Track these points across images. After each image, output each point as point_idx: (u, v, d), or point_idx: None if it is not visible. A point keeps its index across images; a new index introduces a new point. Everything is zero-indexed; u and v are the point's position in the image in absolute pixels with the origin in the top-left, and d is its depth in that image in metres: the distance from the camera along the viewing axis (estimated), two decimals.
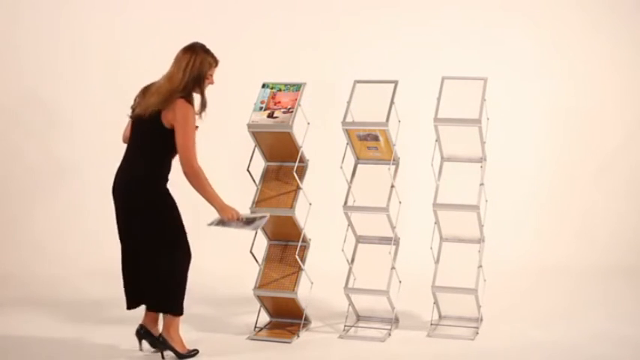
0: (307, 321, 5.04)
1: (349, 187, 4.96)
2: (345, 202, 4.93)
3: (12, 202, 6.73)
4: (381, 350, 4.65)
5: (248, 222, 4.55)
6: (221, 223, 4.51)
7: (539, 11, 6.82)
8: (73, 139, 6.77)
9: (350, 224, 5.01)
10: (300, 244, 4.91)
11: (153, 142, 4.39)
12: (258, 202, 4.92)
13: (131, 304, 4.56)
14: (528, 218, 6.72)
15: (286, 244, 5.02)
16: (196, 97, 4.44)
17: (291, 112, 4.83)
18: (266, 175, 5.02)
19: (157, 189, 4.41)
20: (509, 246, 6.32)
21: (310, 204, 4.90)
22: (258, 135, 4.90)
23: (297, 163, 4.88)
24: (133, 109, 4.48)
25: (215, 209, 4.47)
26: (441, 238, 5.06)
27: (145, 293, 4.49)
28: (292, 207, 4.84)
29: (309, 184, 4.97)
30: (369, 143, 4.94)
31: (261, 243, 5.04)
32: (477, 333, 4.87)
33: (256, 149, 4.98)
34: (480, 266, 4.90)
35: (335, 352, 4.65)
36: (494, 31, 6.78)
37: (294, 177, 4.88)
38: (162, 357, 4.47)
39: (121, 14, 6.83)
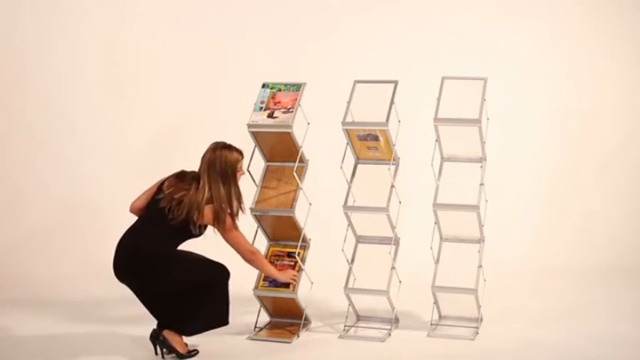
0: (307, 321, 5.04)
1: (349, 187, 4.96)
2: (345, 202, 4.93)
3: (12, 202, 6.73)
4: (381, 350, 4.66)
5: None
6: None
7: (540, 11, 6.82)
8: (73, 139, 6.77)
9: (350, 224, 5.01)
10: (300, 244, 4.91)
11: (176, 231, 4.46)
12: (258, 202, 4.92)
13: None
14: (528, 218, 6.72)
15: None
16: None
17: (291, 112, 4.83)
18: (266, 175, 5.02)
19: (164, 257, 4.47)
20: (509, 246, 6.32)
21: (310, 204, 4.90)
22: (258, 135, 4.90)
23: (297, 163, 4.88)
24: (160, 190, 4.56)
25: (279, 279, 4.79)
26: (441, 238, 5.06)
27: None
28: (292, 207, 4.84)
29: (309, 184, 4.97)
30: (369, 143, 4.94)
31: (262, 243, 5.03)
32: (477, 333, 4.87)
33: (256, 149, 4.98)
34: (480, 266, 4.90)
35: (335, 352, 4.65)
36: (495, 30, 6.77)
37: (294, 177, 4.88)
38: (163, 356, 4.47)
39: (121, 14, 6.83)
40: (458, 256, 4.99)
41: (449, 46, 6.71)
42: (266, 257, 5.03)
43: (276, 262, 4.99)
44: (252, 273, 5.00)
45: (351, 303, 5.03)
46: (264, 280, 4.93)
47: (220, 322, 4.57)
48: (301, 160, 4.92)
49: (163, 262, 4.41)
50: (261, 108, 4.92)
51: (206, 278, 4.49)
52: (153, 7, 6.83)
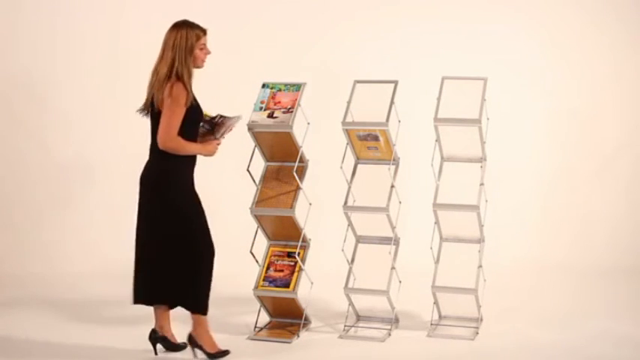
0: (307, 321, 5.04)
1: (349, 187, 4.97)
2: (345, 202, 4.93)
3: (12, 203, 6.73)
4: (381, 350, 4.66)
5: (228, 126, 4.57)
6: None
7: (540, 11, 6.82)
8: (73, 139, 6.77)
9: (350, 224, 5.01)
10: (300, 244, 4.91)
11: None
12: (258, 202, 4.92)
13: (141, 299, 4.48)
14: (528, 218, 6.72)
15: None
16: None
17: (291, 112, 4.83)
18: (266, 175, 5.02)
19: (178, 184, 4.37)
20: (509, 246, 6.32)
21: (310, 204, 4.90)
22: (258, 135, 4.90)
23: (297, 163, 4.88)
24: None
25: (203, 155, 4.50)
26: (441, 238, 5.06)
27: (166, 291, 4.44)
28: (292, 207, 4.84)
29: (309, 184, 4.97)
30: (369, 143, 4.94)
31: (262, 243, 5.04)
32: (477, 333, 4.87)
33: (256, 149, 4.98)
34: (480, 266, 4.90)
35: (335, 352, 4.65)
36: (495, 31, 6.78)
37: (294, 177, 4.88)
38: (195, 355, 4.49)
39: (120, 14, 6.83)
40: (458, 256, 4.99)
41: (449, 46, 6.71)
42: (266, 257, 5.03)
43: (276, 262, 4.99)
44: (253, 273, 5.00)
45: (351, 303, 5.03)
46: (264, 280, 4.93)
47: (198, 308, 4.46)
48: (301, 160, 4.92)
49: (172, 201, 4.33)
50: (261, 108, 4.92)
51: (200, 242, 4.39)
52: (153, 7, 6.83)
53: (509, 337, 4.81)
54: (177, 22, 4.47)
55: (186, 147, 4.35)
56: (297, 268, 4.92)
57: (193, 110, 4.36)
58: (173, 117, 4.27)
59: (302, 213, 4.89)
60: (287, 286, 4.89)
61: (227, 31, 6.80)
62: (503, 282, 5.73)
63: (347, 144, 4.98)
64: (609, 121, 6.81)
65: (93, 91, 6.82)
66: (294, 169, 4.88)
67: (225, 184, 6.56)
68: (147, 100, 4.41)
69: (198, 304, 4.42)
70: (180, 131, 4.30)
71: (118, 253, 6.48)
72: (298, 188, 4.90)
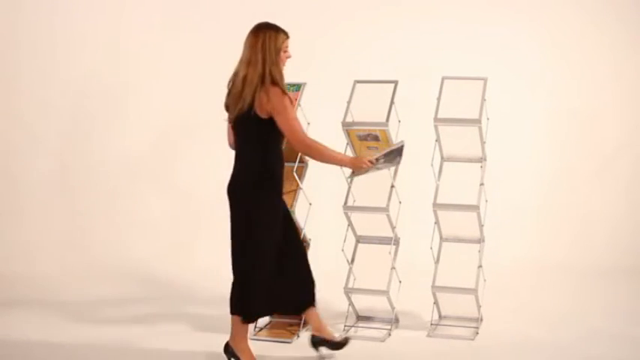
0: (307, 321, 5.03)
1: (349, 187, 4.96)
2: (345, 202, 4.93)
3: (12, 203, 6.73)
4: (381, 350, 4.66)
5: (388, 159, 4.45)
6: (359, 174, 4.44)
7: (540, 11, 6.82)
8: (74, 140, 6.77)
9: (350, 224, 5.01)
10: None
11: (258, 136, 4.20)
12: None
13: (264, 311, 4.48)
14: (528, 218, 6.72)
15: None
16: None
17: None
18: None
19: (267, 188, 4.25)
20: (509, 246, 6.32)
21: (310, 204, 4.90)
22: None
23: (297, 163, 4.88)
24: (227, 108, 4.31)
25: (348, 167, 4.38)
26: (441, 238, 5.06)
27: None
28: (292, 207, 4.84)
29: (309, 184, 4.97)
30: (369, 143, 4.93)
31: None
32: (477, 333, 4.87)
33: None
34: (480, 266, 4.90)
35: (335, 352, 4.64)
36: (495, 31, 6.78)
37: (294, 177, 4.88)
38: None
39: (121, 14, 6.83)
40: (458, 256, 4.99)
41: (449, 46, 6.71)
42: None
43: None
44: None
45: (351, 303, 5.03)
46: None
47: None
48: (301, 160, 4.92)
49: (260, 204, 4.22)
50: None
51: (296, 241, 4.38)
52: (153, 7, 6.83)
53: (509, 337, 4.81)
54: (260, 24, 4.38)
55: (330, 153, 4.27)
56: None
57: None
58: (294, 120, 4.17)
59: (302, 213, 4.88)
60: None
61: (227, 31, 6.79)
62: (503, 282, 5.73)
63: (347, 144, 4.98)
64: (609, 121, 6.81)
65: (93, 90, 6.82)
66: (294, 169, 4.88)
67: (225, 184, 6.55)
68: (235, 107, 4.21)
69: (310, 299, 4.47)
70: (269, 137, 4.19)
71: (117, 253, 6.50)
72: (298, 188, 4.90)
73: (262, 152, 4.21)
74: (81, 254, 6.51)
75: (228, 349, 4.37)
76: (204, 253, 6.40)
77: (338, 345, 4.47)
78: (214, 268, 6.19)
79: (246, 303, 4.30)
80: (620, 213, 6.75)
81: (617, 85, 6.82)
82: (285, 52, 4.33)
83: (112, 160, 6.77)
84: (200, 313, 5.31)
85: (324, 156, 4.27)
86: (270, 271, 4.31)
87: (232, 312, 4.34)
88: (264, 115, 4.15)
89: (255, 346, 4.72)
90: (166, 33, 6.81)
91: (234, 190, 4.28)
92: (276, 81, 4.18)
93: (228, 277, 5.34)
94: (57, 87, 6.78)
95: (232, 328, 4.36)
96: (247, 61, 4.24)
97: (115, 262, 6.41)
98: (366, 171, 4.40)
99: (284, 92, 4.17)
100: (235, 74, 4.30)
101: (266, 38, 4.27)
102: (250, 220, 4.23)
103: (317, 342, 4.49)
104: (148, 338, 4.78)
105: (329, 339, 4.48)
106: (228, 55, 6.85)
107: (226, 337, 4.72)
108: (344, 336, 4.53)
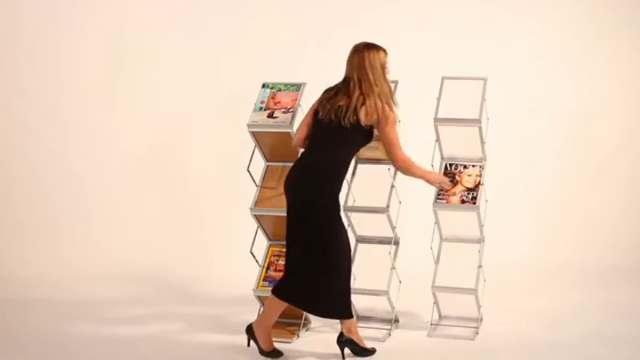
0: (307, 321, 5.04)
1: (349, 187, 4.96)
2: (345, 202, 4.93)
3: (12, 202, 6.73)
4: (381, 350, 4.65)
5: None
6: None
7: (540, 11, 6.82)
8: (74, 140, 6.77)
9: (350, 224, 5.01)
10: None
11: (347, 141, 4.44)
12: (258, 202, 4.92)
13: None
14: (528, 218, 6.72)
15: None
16: None
17: (291, 112, 4.83)
18: (266, 175, 5.02)
19: (335, 191, 4.41)
20: (509, 246, 6.32)
21: None
22: (258, 135, 4.90)
23: None
24: (323, 110, 4.49)
25: (424, 180, 4.60)
26: (441, 238, 5.06)
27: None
28: None
29: None
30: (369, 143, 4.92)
31: (262, 243, 5.04)
32: (477, 333, 4.87)
33: (256, 149, 4.98)
34: (480, 266, 4.90)
35: (335, 352, 4.64)
36: (495, 31, 6.78)
37: None
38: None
39: (121, 14, 6.83)
40: (458, 256, 4.99)
41: (449, 46, 6.71)
42: (266, 257, 5.02)
43: (276, 262, 4.99)
44: (252, 273, 5.00)
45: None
46: (264, 280, 4.93)
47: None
48: None
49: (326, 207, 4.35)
50: (261, 108, 4.92)
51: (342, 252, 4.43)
52: (153, 7, 6.83)
53: (509, 337, 4.80)
54: (363, 44, 4.64)
55: (416, 169, 4.53)
56: None
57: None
58: (398, 137, 4.45)
59: None
60: None
61: (227, 31, 6.80)
62: (503, 282, 5.73)
63: None
64: (609, 121, 6.81)
65: (94, 91, 6.82)
66: None
67: (225, 184, 6.56)
68: (332, 112, 4.44)
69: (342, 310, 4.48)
70: (355, 147, 4.50)
71: (117, 253, 6.50)
72: None
73: (341, 155, 4.46)
74: (80, 254, 6.51)
75: (250, 330, 4.49)
76: (205, 253, 6.40)
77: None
78: (214, 268, 6.20)
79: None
80: (620, 213, 6.75)
81: (617, 85, 6.81)
82: (385, 68, 4.54)
83: (112, 160, 6.77)
84: (200, 313, 5.31)
85: (415, 174, 4.53)
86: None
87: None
88: (365, 123, 4.41)
89: (256, 346, 4.72)
90: (168, 32, 6.81)
91: (301, 184, 4.43)
92: (387, 98, 4.47)
93: (228, 277, 5.34)
94: (57, 87, 6.78)
95: (267, 313, 4.44)
96: (379, 81, 4.49)
97: (114, 262, 6.41)
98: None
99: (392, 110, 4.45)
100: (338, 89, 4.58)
101: (371, 57, 4.56)
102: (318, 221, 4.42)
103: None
104: (147, 338, 4.78)
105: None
106: (228, 54, 6.89)
107: (226, 337, 4.73)
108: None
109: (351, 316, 4.50)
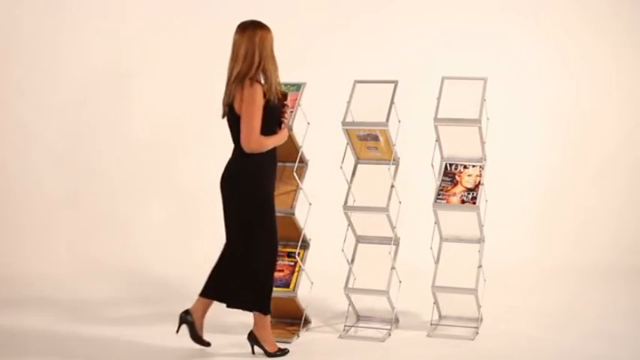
0: (307, 321, 5.04)
1: (349, 187, 4.96)
2: (345, 202, 4.93)
3: (12, 202, 6.73)
4: (381, 350, 4.65)
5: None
6: None
7: (540, 11, 6.82)
8: (74, 139, 6.77)
9: (350, 224, 5.01)
10: (300, 244, 4.91)
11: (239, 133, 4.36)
12: None
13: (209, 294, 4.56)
14: (528, 218, 6.72)
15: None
16: None
17: (291, 112, 4.82)
18: None
19: (254, 184, 4.36)
20: (509, 246, 6.32)
21: (310, 204, 4.90)
22: None
23: (297, 163, 4.88)
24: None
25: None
26: (441, 238, 5.06)
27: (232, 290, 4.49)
28: (292, 207, 4.84)
29: (309, 184, 4.97)
30: (369, 143, 4.94)
31: None
32: (477, 333, 4.87)
33: None
34: (480, 266, 4.90)
35: (335, 352, 4.65)
36: (495, 31, 6.78)
37: (294, 177, 4.88)
38: (253, 352, 4.54)
39: (121, 13, 6.82)
40: (458, 256, 4.99)
41: (449, 46, 6.71)
42: None
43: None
44: None
45: (351, 303, 5.03)
46: None
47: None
48: (301, 160, 4.92)
49: (247, 200, 4.35)
50: None
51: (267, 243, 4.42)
52: (153, 6, 6.83)
53: (509, 337, 4.81)
54: (248, 22, 4.52)
55: (267, 142, 4.36)
56: (297, 268, 4.92)
57: (271, 109, 4.35)
58: (254, 119, 4.26)
59: (302, 213, 4.89)
60: (287, 286, 4.89)
61: (227, 30, 6.79)
62: (503, 282, 5.73)
63: (347, 144, 4.98)
64: (609, 121, 6.81)
65: (93, 90, 6.82)
66: (294, 169, 4.89)
67: None
68: (225, 103, 4.38)
69: (258, 304, 4.47)
70: (262, 132, 4.32)
71: (117, 253, 6.50)
72: (298, 188, 4.90)
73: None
74: (80, 254, 6.51)
75: (252, 336, 4.52)
76: (204, 253, 6.39)
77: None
78: None
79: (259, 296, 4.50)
80: (620, 213, 6.75)
81: (617, 85, 6.82)
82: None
83: (112, 160, 6.77)
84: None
85: (268, 146, 4.36)
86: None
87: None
88: (239, 111, 4.30)
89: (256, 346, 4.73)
90: (169, 32, 6.81)
91: (222, 183, 4.42)
92: (268, 74, 4.31)
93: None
94: (58, 87, 6.78)
95: (255, 319, 4.51)
96: (241, 58, 4.34)
97: (114, 262, 6.41)
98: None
99: (260, 89, 4.27)
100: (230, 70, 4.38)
101: (263, 34, 4.41)
102: (243, 213, 4.40)
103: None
104: (147, 338, 4.78)
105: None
106: (228, 54, 6.87)
107: (226, 337, 4.74)
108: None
109: (266, 312, 4.49)
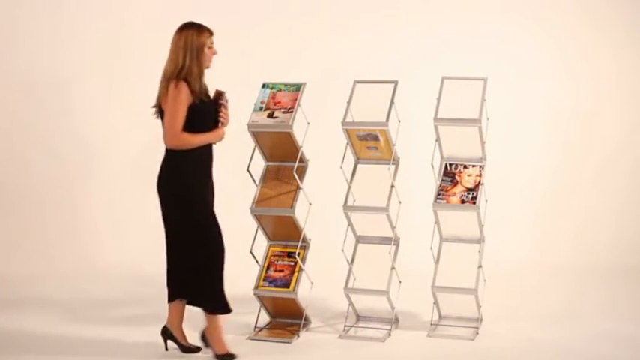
0: (307, 321, 5.04)
1: (349, 187, 4.96)
2: (345, 202, 4.93)
3: (12, 202, 6.73)
4: (381, 350, 4.66)
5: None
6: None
7: (539, 11, 6.82)
8: (74, 139, 6.77)
9: (350, 224, 5.01)
10: (300, 244, 4.91)
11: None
12: (258, 202, 4.92)
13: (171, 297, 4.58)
14: (528, 218, 6.72)
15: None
16: None
17: (291, 112, 4.83)
18: (266, 175, 5.02)
19: (183, 182, 4.39)
20: (509, 246, 6.32)
21: (310, 204, 4.90)
22: (258, 135, 4.90)
23: (297, 163, 4.88)
24: None
25: (217, 142, 4.53)
26: (441, 238, 5.06)
27: (184, 287, 4.52)
28: (292, 207, 4.84)
29: (309, 184, 4.97)
30: (369, 143, 4.94)
31: (262, 243, 5.04)
32: (477, 333, 4.87)
33: (256, 149, 4.98)
34: (480, 266, 4.90)
35: (335, 352, 4.65)
36: (495, 31, 6.77)
37: (294, 177, 4.88)
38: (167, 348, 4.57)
39: (121, 14, 6.82)
40: (458, 256, 4.99)
41: (449, 46, 6.71)
42: (266, 257, 5.02)
43: (276, 262, 4.99)
44: (253, 273, 5.00)
45: (351, 303, 5.03)
46: (264, 280, 4.93)
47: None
48: (301, 160, 4.92)
49: (178, 199, 4.40)
50: (261, 108, 4.92)
51: (207, 240, 4.45)
52: (153, 7, 6.83)
53: (509, 337, 4.81)
54: (184, 23, 4.54)
55: (193, 140, 4.38)
56: (297, 268, 4.92)
57: (200, 108, 4.37)
58: (175, 115, 4.30)
59: (302, 213, 4.89)
60: (287, 286, 4.89)
61: (227, 30, 6.78)
62: (503, 282, 5.73)
63: (347, 144, 4.98)
64: (609, 121, 6.81)
65: (95, 90, 6.82)
66: (294, 169, 4.89)
67: (225, 184, 6.55)
68: (157, 101, 4.46)
69: (208, 303, 4.49)
70: (191, 130, 4.35)
71: (117, 253, 6.50)
72: (298, 188, 4.90)
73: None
74: (80, 254, 6.51)
75: (204, 337, 4.54)
76: None
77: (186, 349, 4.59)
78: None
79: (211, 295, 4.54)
80: (620, 213, 6.75)
81: (617, 85, 6.81)
82: (210, 48, 4.47)
83: (112, 160, 6.77)
84: (200, 313, 5.30)
85: (194, 144, 4.38)
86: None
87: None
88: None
89: (255, 346, 4.73)
90: (169, 32, 6.80)
91: (158, 182, 4.47)
92: (191, 75, 4.35)
93: (228, 277, 5.34)
94: (56, 87, 6.78)
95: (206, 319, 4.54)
96: (168, 59, 4.44)
97: (114, 262, 6.41)
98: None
99: (185, 86, 4.33)
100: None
101: (188, 37, 4.44)
102: (178, 211, 4.45)
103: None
104: (146, 338, 4.77)
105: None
106: (229, 54, 6.87)
107: (226, 337, 4.73)
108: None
109: (213, 312, 4.52)
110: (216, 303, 4.50)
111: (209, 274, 4.47)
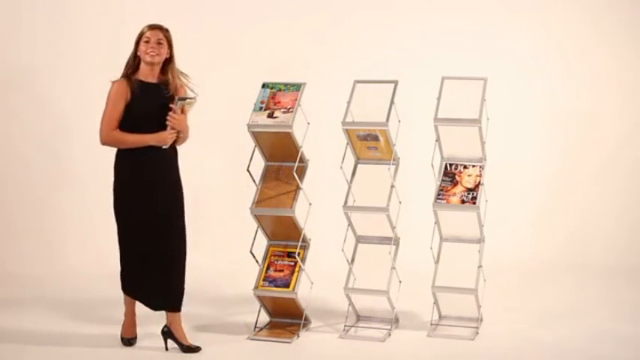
0: (307, 321, 5.04)
1: (349, 187, 4.96)
2: (345, 202, 4.93)
3: (12, 202, 6.73)
4: (381, 350, 4.66)
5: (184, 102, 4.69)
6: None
7: (540, 11, 6.82)
8: (73, 139, 6.77)
9: (350, 224, 5.01)
10: (300, 244, 4.91)
11: None
12: (258, 202, 4.92)
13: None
14: (528, 218, 6.72)
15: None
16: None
17: (291, 112, 4.83)
18: (266, 175, 5.02)
19: (115, 180, 4.68)
20: (509, 246, 6.32)
21: (310, 204, 4.90)
22: (258, 135, 4.90)
23: (297, 163, 4.88)
24: None
25: (157, 145, 4.55)
26: (441, 238, 5.06)
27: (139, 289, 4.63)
28: (292, 207, 4.84)
29: (309, 184, 4.97)
30: (369, 143, 4.94)
31: (262, 243, 5.04)
32: (477, 333, 4.87)
33: (256, 149, 4.98)
34: (480, 266, 4.90)
35: (335, 352, 4.65)
36: (495, 31, 6.78)
37: (294, 177, 4.88)
38: (167, 348, 4.56)
39: (121, 13, 6.82)
40: (458, 256, 4.99)
41: (449, 47, 6.71)
42: (266, 257, 5.02)
43: (276, 262, 4.99)
44: (253, 273, 5.00)
45: (351, 303, 5.03)
46: (264, 280, 4.93)
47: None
48: (301, 160, 4.92)
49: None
50: (261, 108, 4.92)
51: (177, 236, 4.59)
52: (153, 7, 6.82)
53: (509, 337, 4.81)
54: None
55: (126, 139, 4.49)
56: (297, 268, 4.92)
57: (138, 108, 4.46)
58: (105, 113, 4.49)
59: (302, 213, 4.89)
60: (287, 286, 4.89)
61: (227, 31, 6.80)
62: (503, 282, 5.73)
63: (347, 144, 4.98)
64: (609, 121, 6.81)
65: (93, 90, 6.81)
66: (294, 169, 4.88)
67: (225, 184, 6.56)
68: None
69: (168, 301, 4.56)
70: (130, 128, 4.46)
71: (117, 253, 6.49)
72: (298, 188, 4.90)
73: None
74: (80, 254, 6.51)
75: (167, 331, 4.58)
76: (204, 253, 6.39)
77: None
78: (214, 267, 6.20)
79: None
80: (620, 213, 6.75)
81: (617, 85, 6.81)
82: (147, 41, 4.51)
83: (112, 160, 6.75)
84: (200, 313, 5.31)
85: (127, 143, 4.50)
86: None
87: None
88: None
89: (255, 346, 4.73)
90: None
91: None
92: (131, 69, 4.54)
93: (228, 277, 5.36)
94: (54, 87, 6.78)
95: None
96: None
97: (114, 262, 6.40)
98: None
99: (119, 85, 4.51)
100: None
101: (138, 34, 4.56)
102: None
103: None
104: (147, 338, 4.77)
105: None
106: (228, 54, 6.89)
107: (226, 337, 4.74)
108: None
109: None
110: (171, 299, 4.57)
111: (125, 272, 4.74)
